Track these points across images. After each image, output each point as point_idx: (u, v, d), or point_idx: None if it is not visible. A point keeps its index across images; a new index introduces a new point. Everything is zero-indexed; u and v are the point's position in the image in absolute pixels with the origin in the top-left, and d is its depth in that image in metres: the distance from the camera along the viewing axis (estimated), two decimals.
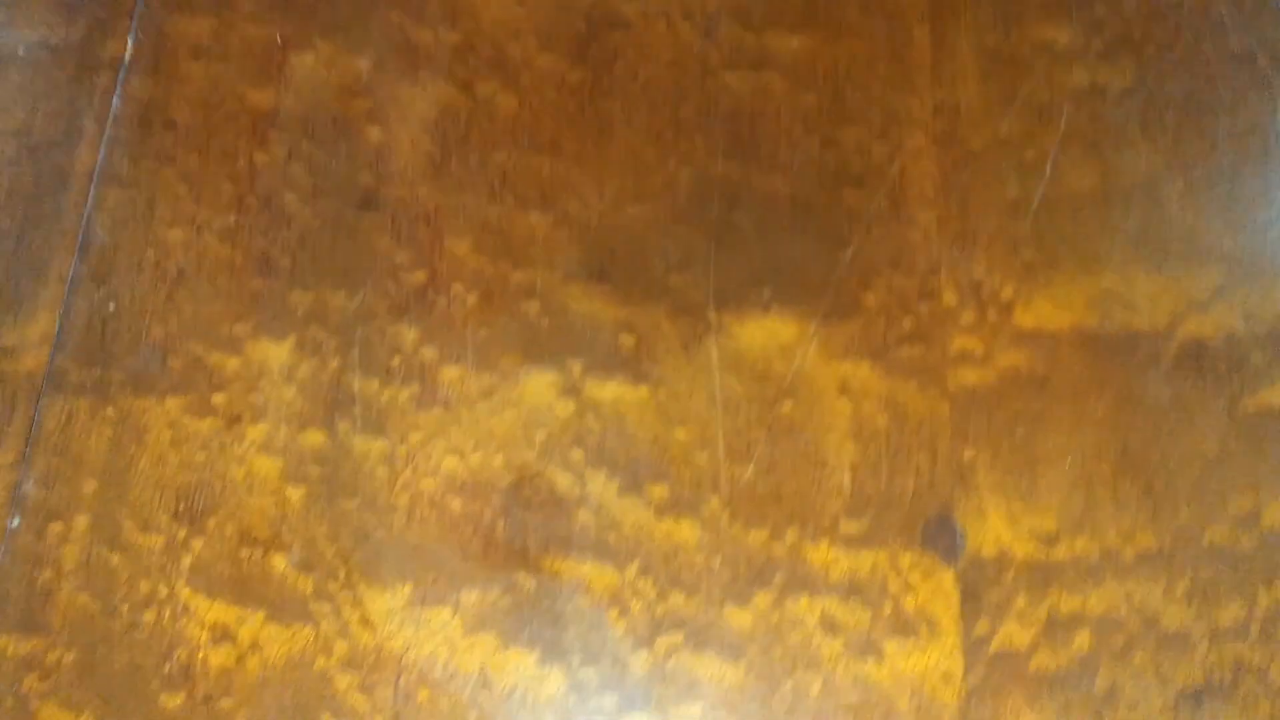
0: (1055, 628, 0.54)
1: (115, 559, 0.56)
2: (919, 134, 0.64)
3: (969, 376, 0.58)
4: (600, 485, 0.57)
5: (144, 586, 0.55)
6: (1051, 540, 0.55)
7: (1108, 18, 0.66)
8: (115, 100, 0.64)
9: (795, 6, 0.66)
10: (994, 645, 0.54)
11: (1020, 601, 0.54)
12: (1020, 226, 0.61)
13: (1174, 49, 0.65)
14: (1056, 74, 0.65)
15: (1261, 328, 0.59)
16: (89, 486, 0.57)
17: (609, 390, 0.58)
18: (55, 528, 0.56)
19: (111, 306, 0.60)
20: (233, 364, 0.59)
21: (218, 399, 0.58)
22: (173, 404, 0.58)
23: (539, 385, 0.59)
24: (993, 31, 0.66)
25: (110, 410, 0.58)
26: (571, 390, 0.58)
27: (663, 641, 0.54)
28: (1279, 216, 0.61)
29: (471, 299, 0.60)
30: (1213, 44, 0.65)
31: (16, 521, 0.56)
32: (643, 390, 0.58)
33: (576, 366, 0.59)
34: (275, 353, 0.59)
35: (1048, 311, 0.60)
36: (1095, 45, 0.65)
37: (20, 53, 0.65)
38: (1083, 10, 0.66)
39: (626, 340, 0.59)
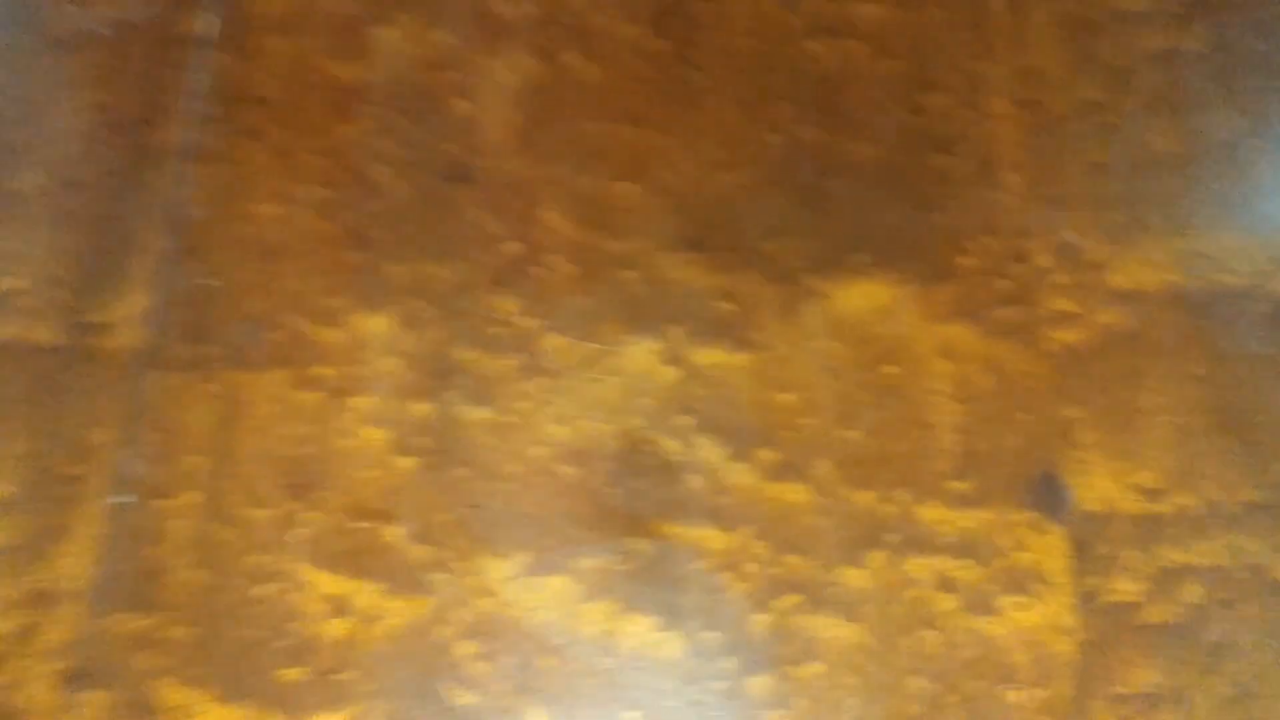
0: (1165, 581, 0.55)
1: (226, 534, 0.56)
2: (1002, 99, 0.64)
3: (1065, 336, 0.59)
4: (709, 451, 0.57)
5: (257, 561, 0.55)
6: (1156, 495, 0.56)
7: None
8: (199, 76, 0.64)
9: None
10: (1105, 599, 0.54)
11: (1129, 555, 0.55)
12: (1107, 188, 0.62)
13: (1247, 10, 0.66)
14: (1133, 37, 0.66)
15: None
16: (196, 462, 0.57)
17: (711, 357, 0.59)
18: (164, 504, 0.56)
19: (207, 282, 0.60)
20: (333, 337, 0.59)
21: (321, 372, 0.58)
22: (275, 378, 0.58)
23: (642, 352, 0.59)
24: None
25: (213, 385, 0.58)
26: (674, 358, 0.59)
27: (780, 603, 0.55)
28: None
29: (569, 269, 0.60)
30: None
31: (125, 499, 0.56)
32: (745, 356, 0.59)
33: (678, 334, 0.59)
34: (375, 325, 0.59)
35: (1138, 270, 0.60)
36: (1169, 7, 0.66)
37: (101, 30, 0.65)
38: None
39: (726, 307, 0.60)
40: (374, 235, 0.61)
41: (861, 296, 0.60)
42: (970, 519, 0.56)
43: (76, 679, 0.53)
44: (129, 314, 0.59)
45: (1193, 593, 0.55)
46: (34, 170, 0.62)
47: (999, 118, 0.64)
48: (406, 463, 0.57)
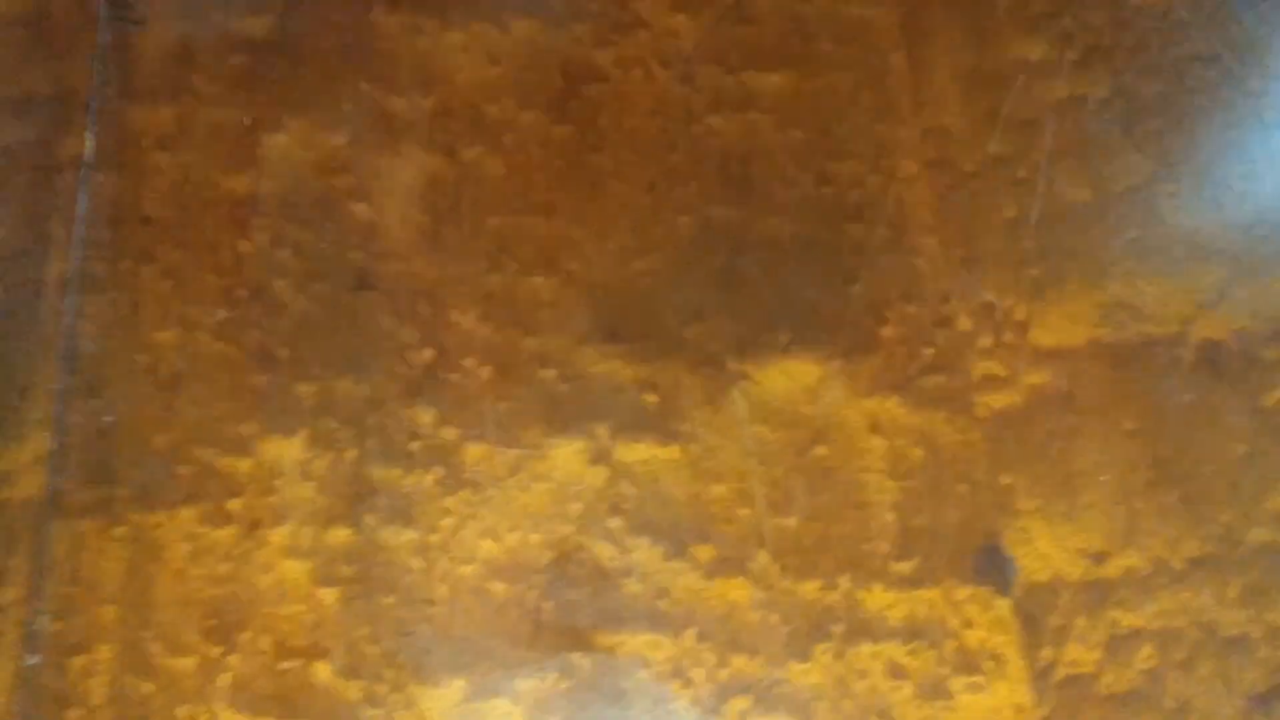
0: (1118, 646, 0.54)
1: (147, 687, 0.53)
2: (910, 161, 0.63)
3: (996, 400, 0.58)
4: (644, 552, 0.55)
5: (182, 713, 0.52)
6: (1101, 558, 0.55)
7: (1075, 29, 0.67)
8: (82, 200, 0.61)
9: (770, 44, 0.66)
10: (1060, 672, 0.53)
11: (1080, 623, 0.54)
12: (1022, 244, 0.62)
13: (1143, 55, 0.66)
14: (1036, 88, 0.65)
15: (1268, 324, 0.60)
16: (109, 613, 0.54)
17: (639, 452, 0.57)
18: (78, 661, 0.53)
19: (108, 419, 0.57)
20: (245, 466, 0.56)
21: (234, 505, 0.56)
22: (187, 515, 0.55)
23: (567, 455, 0.57)
24: (967, 51, 0.66)
25: (121, 529, 0.55)
26: (602, 456, 0.57)
27: (731, 707, 0.53)
28: (1271, 210, 0.62)
29: (485, 372, 0.59)
30: (1179, 47, 0.67)
31: (35, 659, 0.53)
32: (674, 449, 0.57)
33: (603, 431, 0.58)
34: (288, 450, 0.57)
35: (1062, 327, 0.60)
36: (1069, 56, 0.66)
37: None
38: (1051, 23, 0.67)
39: (650, 399, 0.58)
40: (279, 354, 0.59)
41: (786, 376, 0.59)
42: (916, 600, 0.55)
43: None
44: (27, 460, 0.56)
45: (1147, 657, 0.54)
46: None
47: (909, 180, 0.63)
48: (329, 594, 0.54)
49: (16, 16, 0.65)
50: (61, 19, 0.65)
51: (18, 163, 0.62)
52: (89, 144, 0.62)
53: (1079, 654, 0.54)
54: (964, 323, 0.60)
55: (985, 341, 0.59)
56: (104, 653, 0.53)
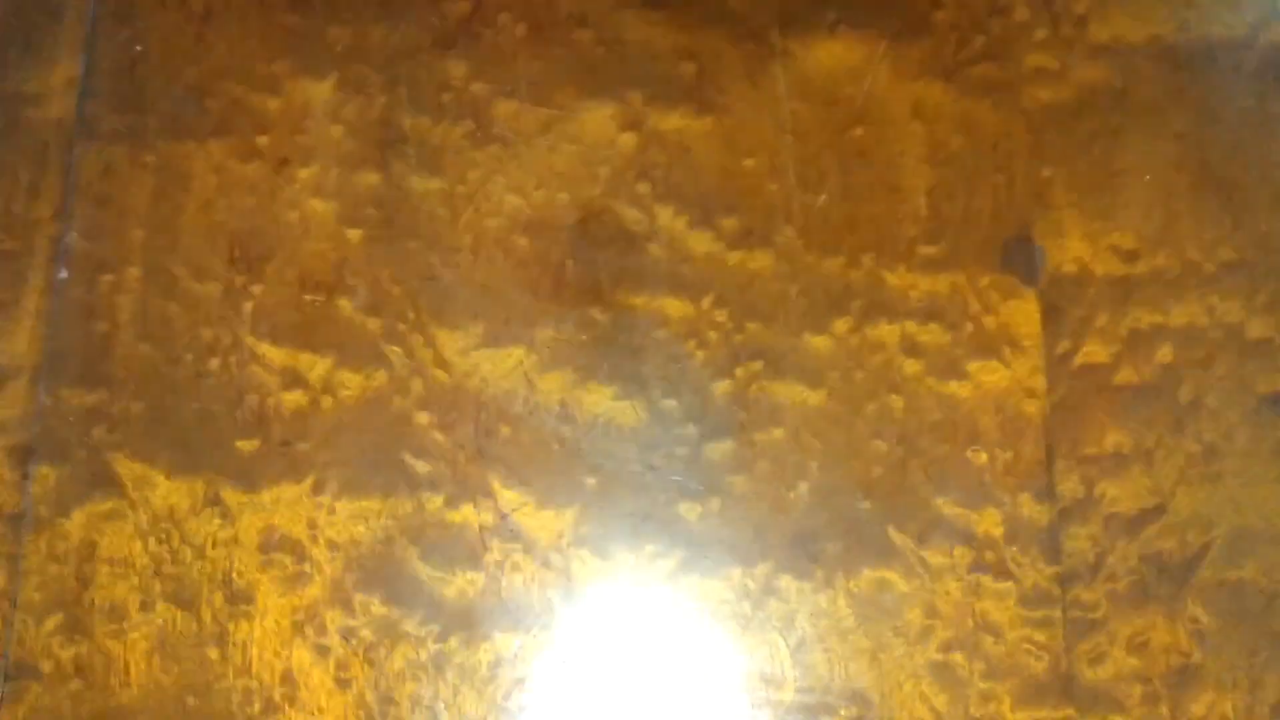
0: (1137, 342, 0.53)
1: (172, 308, 0.54)
2: None
3: (1044, 93, 0.56)
4: (669, 219, 0.55)
5: (206, 334, 0.54)
6: (1132, 256, 0.54)
7: None
8: None
9: None
10: (1076, 361, 0.53)
11: (1102, 318, 0.54)
12: None
13: None
14: None
15: None
16: (136, 235, 0.54)
17: (673, 121, 0.56)
18: (106, 279, 0.54)
19: (139, 48, 0.56)
20: (274, 104, 0.56)
21: (262, 141, 0.55)
22: (215, 148, 0.55)
23: (599, 118, 0.56)
24: None
25: (150, 157, 0.55)
26: (633, 122, 0.56)
27: (742, 370, 0.53)
28: None
29: (520, 29, 0.57)
30: None
31: (65, 274, 0.54)
32: (708, 120, 0.56)
33: (637, 98, 0.56)
34: (318, 91, 0.56)
35: (1123, 24, 0.57)
36: None
37: None
38: None
39: (687, 68, 0.57)
40: None
41: (830, 55, 0.57)
42: (939, 283, 0.54)
43: (28, 454, 0.52)
44: (58, 83, 0.56)
45: (1165, 353, 0.53)
46: None
47: None
48: (355, 234, 0.55)
49: None
50: None
51: None
52: None
53: (1098, 346, 0.53)
54: (1021, 12, 0.57)
55: (1041, 33, 0.57)
56: (131, 273, 0.54)
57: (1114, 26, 0.57)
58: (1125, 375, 0.53)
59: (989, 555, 0.51)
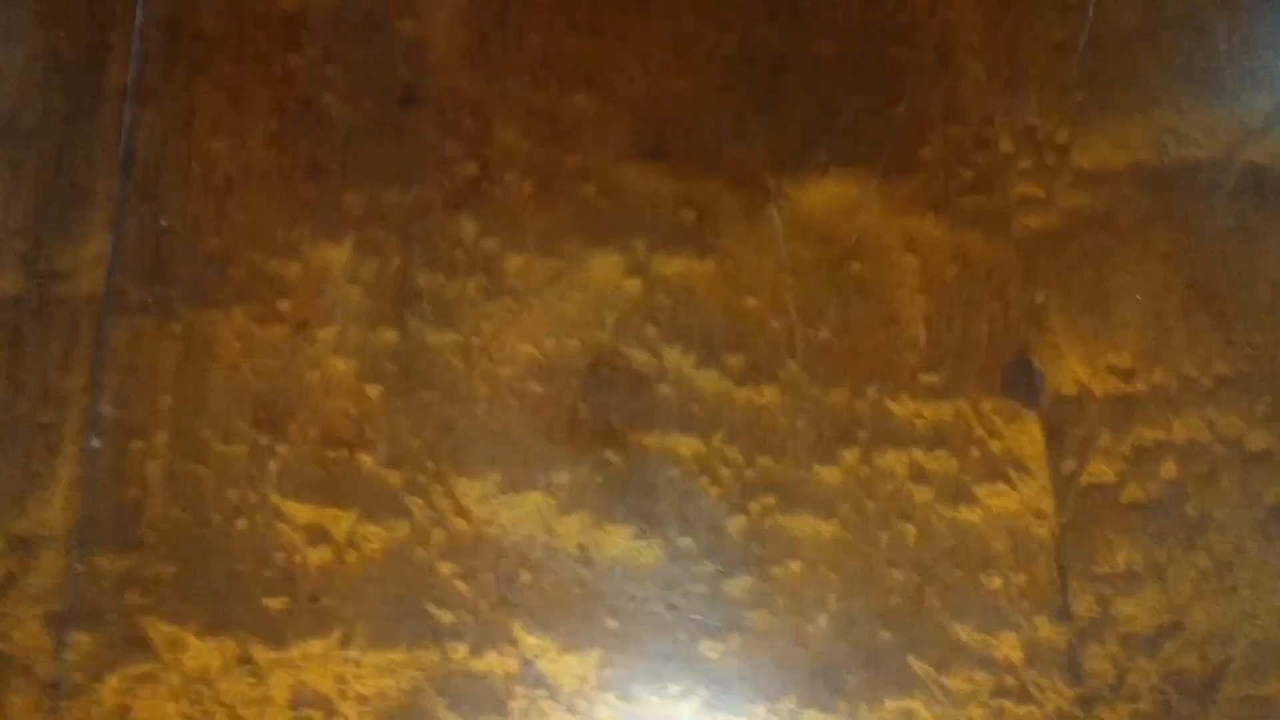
0: (1141, 459, 0.54)
1: (201, 471, 0.56)
2: None
3: (1033, 221, 0.58)
4: (677, 359, 0.57)
5: (233, 495, 0.55)
6: (1129, 374, 0.56)
7: None
8: (138, 15, 0.63)
9: None
10: (1083, 480, 0.54)
11: (1104, 437, 0.55)
12: (1069, 68, 0.61)
13: None
14: None
15: None
16: (164, 402, 0.56)
17: (675, 265, 0.58)
18: (136, 445, 0.56)
19: (163, 222, 0.59)
20: (294, 269, 0.58)
21: (283, 305, 0.58)
22: (238, 314, 0.58)
23: (605, 266, 0.58)
24: None
25: (176, 325, 0.58)
26: (638, 268, 0.58)
27: (756, 505, 0.55)
28: None
29: (527, 186, 0.60)
30: None
31: (97, 442, 0.56)
32: (709, 262, 0.58)
33: (640, 244, 0.59)
34: (336, 255, 0.59)
35: (1105, 151, 0.59)
36: None
37: None
38: None
39: (688, 214, 0.59)
40: (328, 164, 0.60)
41: (824, 194, 0.59)
42: (943, 410, 0.56)
43: (64, 622, 0.54)
44: (88, 259, 0.59)
45: (1169, 469, 0.54)
46: None
47: (957, 4, 0.62)
48: (374, 390, 0.57)
49: None
50: None
51: None
52: None
53: (1102, 465, 0.54)
54: (1005, 145, 0.60)
55: (1026, 163, 0.59)
56: (160, 438, 0.56)
57: (1096, 153, 0.59)
58: (1132, 493, 0.54)
59: (1010, 680, 0.52)
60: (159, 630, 0.53)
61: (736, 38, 0.62)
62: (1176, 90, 0.60)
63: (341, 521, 0.55)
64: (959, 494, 0.54)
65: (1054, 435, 0.55)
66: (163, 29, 0.62)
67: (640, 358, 0.57)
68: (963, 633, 0.52)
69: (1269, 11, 0.61)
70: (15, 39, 0.62)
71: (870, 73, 0.61)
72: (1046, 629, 0.52)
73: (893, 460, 0.55)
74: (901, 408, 0.56)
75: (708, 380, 0.56)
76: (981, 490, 0.54)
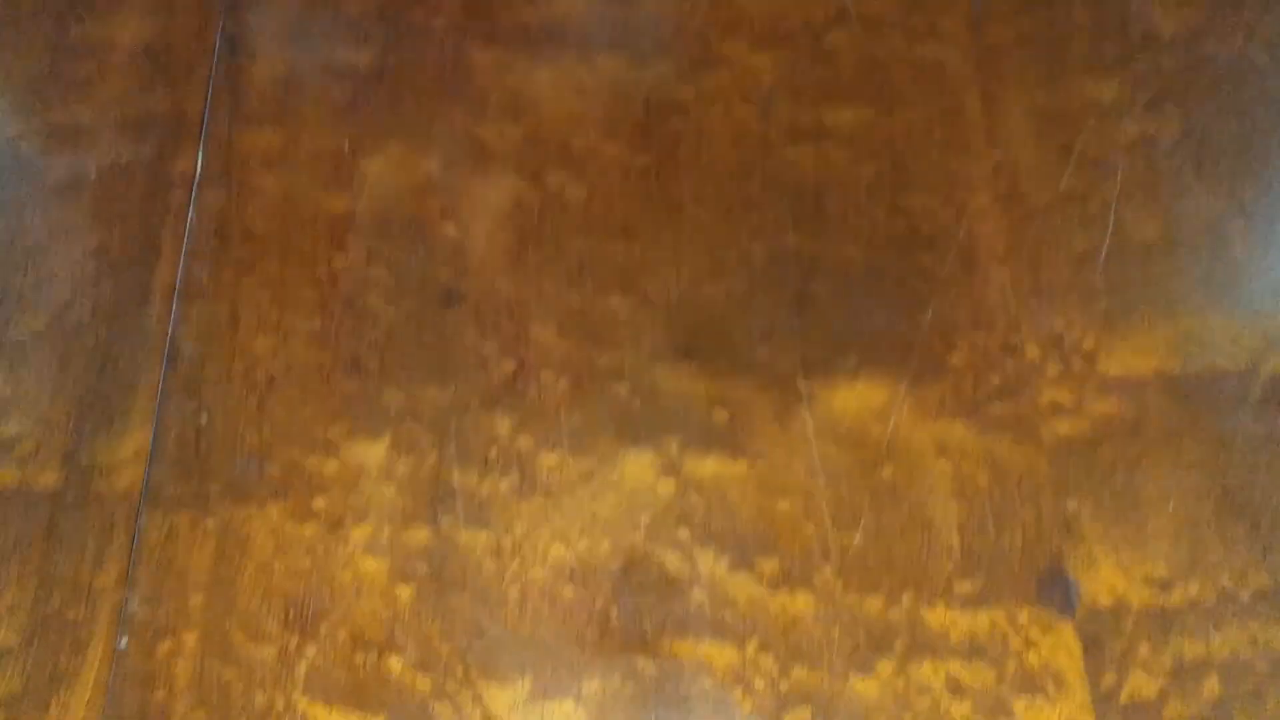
0: (1183, 675, 0.54)
1: (228, 673, 0.55)
2: (982, 194, 0.65)
3: (1062, 427, 0.59)
4: (710, 563, 0.57)
5: (260, 699, 0.55)
6: (1166, 585, 0.55)
7: (1148, 73, 0.68)
8: (190, 214, 0.65)
9: (846, 81, 0.68)
10: (1123, 697, 0.53)
11: (1143, 650, 0.54)
12: (1092, 277, 0.63)
13: (1215, 97, 0.67)
14: (1107, 128, 0.66)
15: None
16: (196, 600, 0.56)
17: (708, 466, 0.59)
18: (165, 645, 0.56)
19: (204, 418, 0.60)
20: (331, 466, 0.59)
21: (319, 503, 0.58)
22: (274, 511, 0.58)
23: (638, 466, 0.59)
24: (1039, 91, 0.68)
25: (211, 522, 0.58)
26: (671, 469, 0.59)
27: (792, 716, 0.54)
28: None
29: (562, 385, 0.61)
30: (1251, 90, 0.67)
31: (125, 642, 0.56)
32: (741, 464, 0.59)
33: (673, 445, 0.59)
34: (372, 452, 0.59)
35: (1130, 358, 0.60)
36: (1140, 98, 0.67)
37: (93, 175, 0.66)
38: (1123, 66, 0.68)
39: (720, 415, 0.60)
40: (368, 362, 0.62)
41: (855, 398, 0.60)
42: (978, 620, 0.55)
43: None
44: (128, 454, 0.60)
45: (1213, 687, 0.54)
46: (34, 315, 0.63)
47: (981, 213, 0.64)
48: (405, 591, 0.56)
49: (142, 46, 0.69)
50: (181, 49, 0.69)
51: (134, 179, 0.66)
52: (199, 163, 0.66)
53: (1143, 680, 0.54)
54: (1032, 351, 0.61)
55: (1053, 370, 0.60)
56: (189, 638, 0.56)
57: (1121, 361, 0.60)
58: (1174, 710, 0.53)
59: None
60: None
61: (767, 245, 0.64)
62: (1198, 300, 0.62)
63: None
64: (997, 709, 0.53)
65: (1091, 647, 0.54)
66: (213, 228, 0.65)
67: (673, 561, 0.57)
68: None
69: None
70: (70, 235, 0.65)
71: (897, 279, 0.63)
72: None
73: (929, 672, 0.54)
74: (937, 617, 0.55)
75: (741, 585, 0.56)
76: (1020, 705, 0.53)
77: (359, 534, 0.58)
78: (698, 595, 0.56)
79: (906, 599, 0.56)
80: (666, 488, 0.58)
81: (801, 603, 0.56)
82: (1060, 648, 0.54)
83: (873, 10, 0.70)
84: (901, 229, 0.64)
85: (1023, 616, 0.55)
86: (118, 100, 0.68)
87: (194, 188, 0.66)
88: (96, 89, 0.68)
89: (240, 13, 0.71)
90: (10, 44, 0.70)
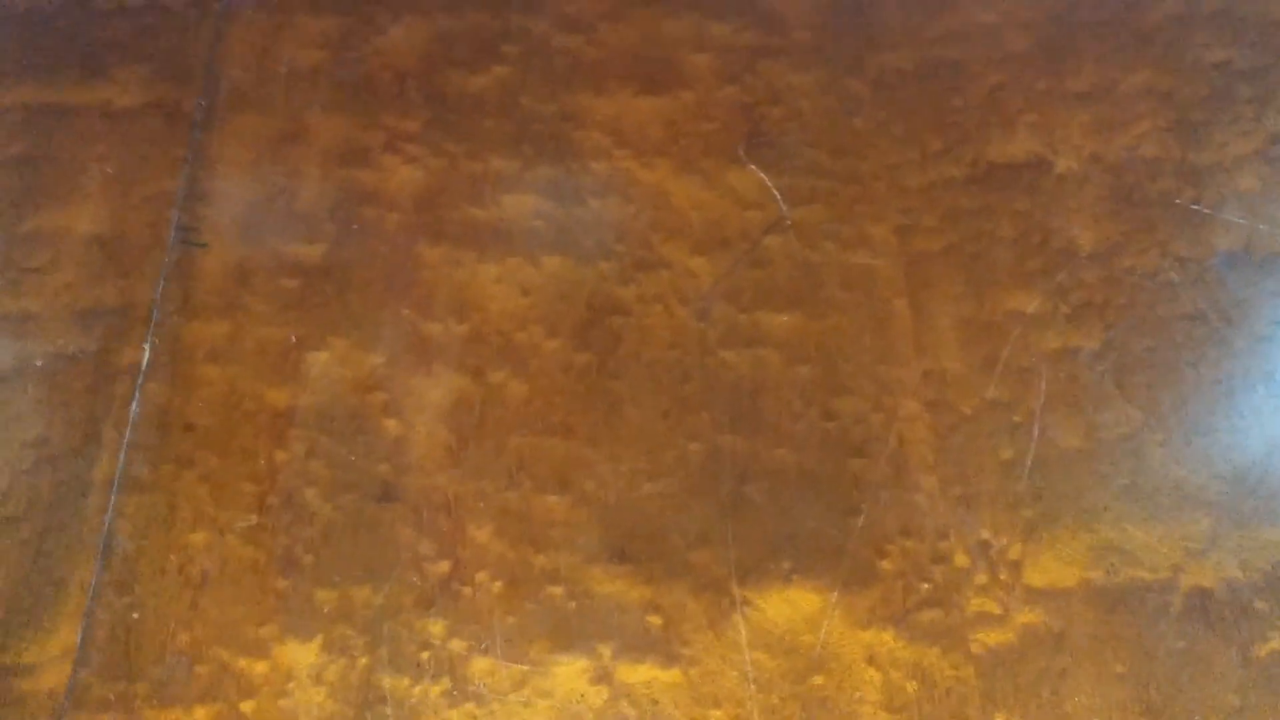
0: None
1: None
2: (911, 401, 0.67)
3: (990, 637, 0.60)
4: None
5: None
6: None
7: (1070, 285, 0.71)
8: (134, 406, 0.66)
9: (781, 287, 0.71)
10: None
11: None
12: (1018, 485, 0.64)
13: (1133, 311, 0.71)
14: (1031, 338, 0.69)
15: (1258, 575, 0.61)
16: None
17: (641, 674, 0.59)
18: None
19: (135, 615, 0.60)
20: (261, 668, 0.59)
21: (247, 707, 0.58)
22: (201, 715, 0.57)
23: (570, 673, 0.59)
24: (966, 301, 0.71)
25: None
26: (604, 676, 0.59)
27: None
28: (1257, 463, 0.65)
29: (497, 587, 0.61)
30: (1167, 305, 0.71)
31: None
32: (675, 672, 0.59)
33: (606, 651, 0.59)
34: (303, 654, 0.59)
35: (1055, 568, 0.62)
36: (1062, 310, 0.70)
37: (38, 364, 0.67)
38: (1046, 279, 0.71)
39: (654, 621, 0.60)
40: (303, 559, 0.62)
41: (787, 605, 0.61)
42: None
43: None
44: (54, 653, 0.59)
45: None
46: None
47: (910, 419, 0.66)
48: None
49: (94, 235, 0.71)
50: (135, 239, 0.71)
51: (80, 369, 0.67)
52: (146, 354, 0.67)
53: None
54: (961, 559, 0.62)
55: (981, 579, 0.62)
56: None
57: (1046, 571, 0.62)
58: None
59: None
60: None
61: (703, 446, 0.65)
62: (1119, 510, 0.64)
63: None
64: None
65: None
66: (155, 420, 0.65)
67: None
68: None
69: (1201, 436, 0.66)
70: (11, 425, 0.65)
71: (830, 483, 0.64)
72: None
73: None
74: None
75: None
76: None
77: None
78: None
79: None
80: (599, 696, 0.58)
81: None
82: None
83: (807, 218, 0.73)
84: (834, 433, 0.66)
85: None
86: (68, 289, 0.69)
87: (139, 379, 0.66)
88: (48, 278, 0.70)
89: (195, 204, 0.73)
90: None
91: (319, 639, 0.59)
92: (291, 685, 0.58)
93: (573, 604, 0.61)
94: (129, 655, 0.59)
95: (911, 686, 0.59)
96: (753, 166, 0.74)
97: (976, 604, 0.61)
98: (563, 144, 0.75)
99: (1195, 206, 0.74)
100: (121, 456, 0.64)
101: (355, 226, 0.72)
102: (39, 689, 0.58)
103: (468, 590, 0.61)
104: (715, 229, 0.73)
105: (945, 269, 0.72)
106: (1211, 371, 0.68)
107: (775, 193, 0.74)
